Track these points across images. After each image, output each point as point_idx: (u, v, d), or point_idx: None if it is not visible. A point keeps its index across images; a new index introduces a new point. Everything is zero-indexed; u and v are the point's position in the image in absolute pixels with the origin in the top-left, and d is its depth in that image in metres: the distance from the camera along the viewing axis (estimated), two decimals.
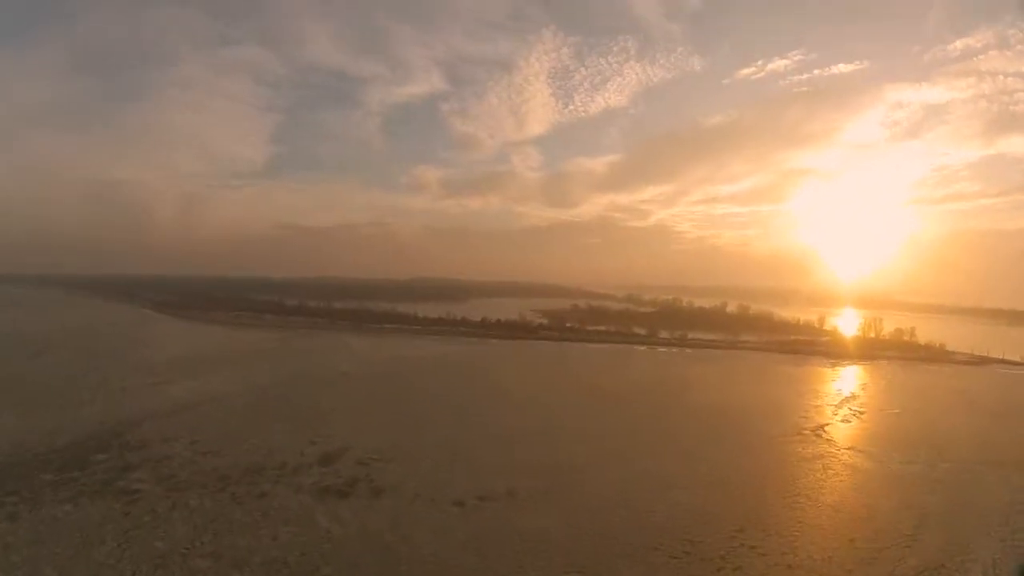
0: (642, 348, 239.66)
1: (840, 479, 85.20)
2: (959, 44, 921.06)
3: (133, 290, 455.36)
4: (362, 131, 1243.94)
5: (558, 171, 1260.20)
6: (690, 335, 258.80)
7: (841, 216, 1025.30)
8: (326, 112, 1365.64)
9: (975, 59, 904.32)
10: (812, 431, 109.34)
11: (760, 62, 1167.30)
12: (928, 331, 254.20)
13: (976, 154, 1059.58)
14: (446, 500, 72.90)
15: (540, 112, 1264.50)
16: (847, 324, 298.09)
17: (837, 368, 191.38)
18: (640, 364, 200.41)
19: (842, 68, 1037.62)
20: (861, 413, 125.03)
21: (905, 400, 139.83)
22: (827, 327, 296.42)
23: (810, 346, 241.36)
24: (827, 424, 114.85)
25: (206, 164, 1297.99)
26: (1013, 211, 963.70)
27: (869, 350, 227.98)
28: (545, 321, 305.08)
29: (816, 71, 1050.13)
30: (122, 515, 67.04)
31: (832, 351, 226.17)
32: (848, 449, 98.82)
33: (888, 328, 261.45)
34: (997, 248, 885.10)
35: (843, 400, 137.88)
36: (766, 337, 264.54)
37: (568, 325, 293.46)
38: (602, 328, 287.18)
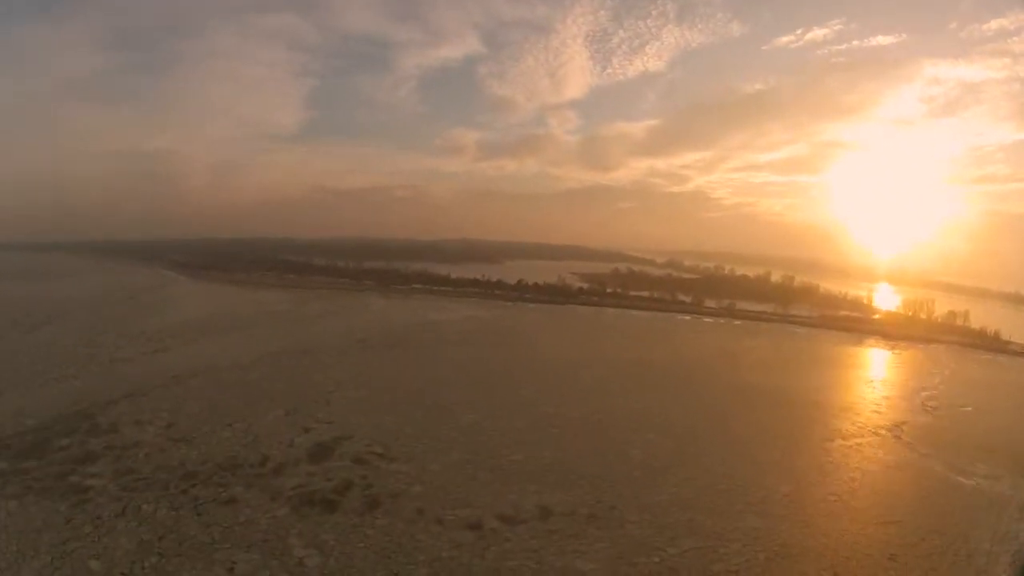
0: (687, 317, 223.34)
1: (933, 498, 69.46)
2: (993, 24, 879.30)
3: (161, 254, 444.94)
4: (397, 95, 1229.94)
5: (595, 135, 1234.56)
6: (738, 305, 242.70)
7: (876, 191, 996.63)
8: (361, 77, 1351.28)
9: (1009, 40, 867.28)
10: (888, 430, 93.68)
11: (799, 31, 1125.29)
12: (976, 315, 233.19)
13: (1010, 136, 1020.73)
14: (457, 520, 57.69)
15: (577, 75, 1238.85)
16: (895, 302, 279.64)
17: (896, 351, 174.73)
18: (689, 336, 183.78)
19: (880, 40, 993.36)
20: (934, 409, 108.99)
21: (975, 395, 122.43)
22: (876, 304, 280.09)
23: (863, 324, 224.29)
24: (903, 422, 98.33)
25: (240, 130, 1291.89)
26: None
27: (924, 332, 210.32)
28: (584, 285, 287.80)
29: (855, 42, 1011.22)
30: (64, 521, 55.92)
31: (886, 331, 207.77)
32: (930, 456, 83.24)
33: (939, 310, 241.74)
34: None
35: (911, 391, 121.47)
36: (817, 311, 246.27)
37: (609, 290, 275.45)
38: (644, 294, 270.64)
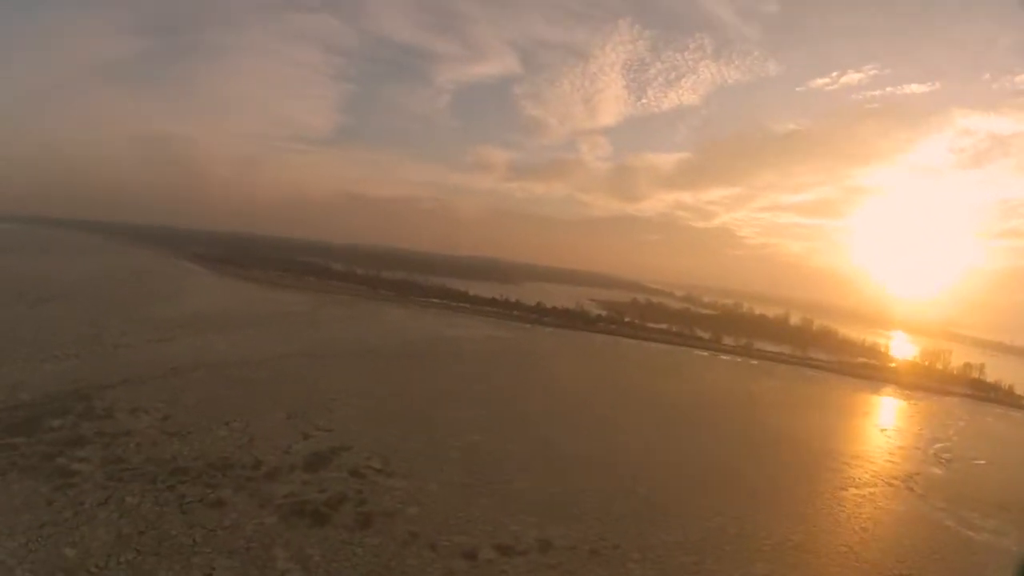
0: (703, 353, 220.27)
1: (943, 552, 67.68)
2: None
3: (182, 242, 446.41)
4: (431, 107, 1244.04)
5: (625, 164, 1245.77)
6: (755, 344, 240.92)
7: (900, 238, 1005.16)
8: (396, 86, 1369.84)
9: None
10: (902, 481, 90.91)
11: (835, 73, 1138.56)
12: (993, 369, 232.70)
13: None
14: (452, 547, 54.18)
15: (612, 103, 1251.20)
16: (913, 351, 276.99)
17: (911, 401, 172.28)
18: (705, 373, 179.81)
19: (914, 88, 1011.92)
20: (948, 461, 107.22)
21: (988, 449, 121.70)
22: (894, 352, 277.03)
23: (879, 372, 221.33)
24: (916, 473, 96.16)
25: (272, 127, 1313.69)
26: None
27: (939, 383, 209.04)
28: (603, 313, 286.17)
29: (888, 88, 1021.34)
30: (46, 503, 53.72)
31: (902, 380, 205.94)
32: (942, 510, 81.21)
33: (956, 361, 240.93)
34: None
35: (925, 442, 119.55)
36: (834, 356, 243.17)
37: (627, 320, 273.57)
38: (662, 326, 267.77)
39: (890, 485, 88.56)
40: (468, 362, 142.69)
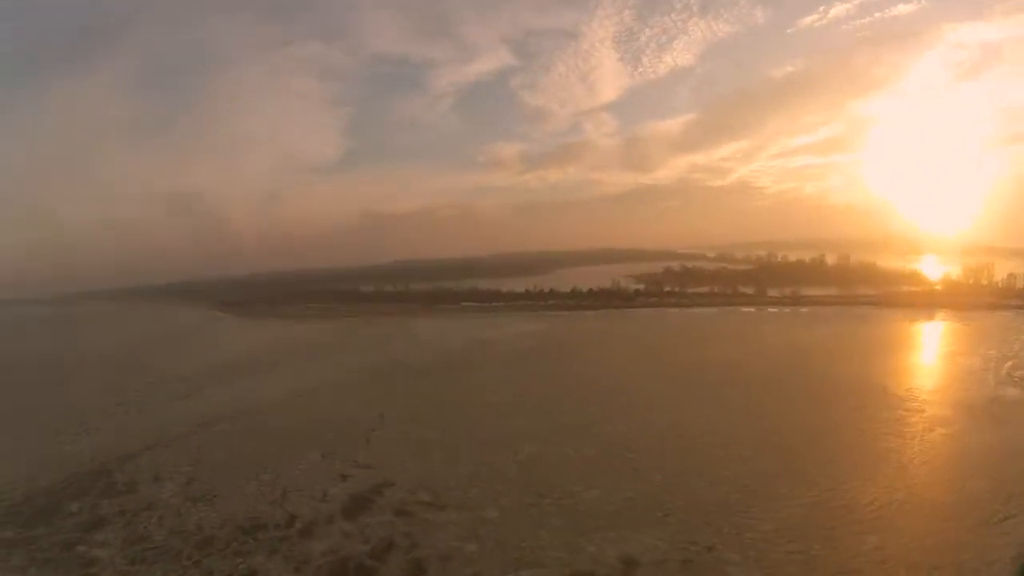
0: (751, 309, 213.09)
1: None
2: None
3: (209, 293, 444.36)
4: (434, 114, 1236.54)
5: (633, 135, 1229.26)
6: (801, 292, 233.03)
7: (912, 162, 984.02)
8: (396, 100, 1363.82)
9: None
10: (984, 410, 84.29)
11: (821, 8, 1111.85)
12: None
13: None
14: None
15: (609, 78, 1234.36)
16: (953, 272, 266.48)
17: (967, 321, 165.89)
18: (758, 330, 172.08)
19: (901, 9, 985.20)
20: (1021, 380, 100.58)
21: None
22: (935, 277, 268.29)
23: (928, 297, 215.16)
24: (995, 398, 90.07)
25: (281, 163, 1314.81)
26: None
27: (989, 299, 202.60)
28: (640, 287, 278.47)
29: (877, 14, 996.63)
30: None
31: (952, 302, 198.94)
32: None
33: (999, 274, 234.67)
34: None
35: (994, 363, 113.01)
36: (878, 290, 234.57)
37: (667, 289, 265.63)
38: (703, 290, 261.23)
39: (973, 416, 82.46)
40: (509, 365, 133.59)
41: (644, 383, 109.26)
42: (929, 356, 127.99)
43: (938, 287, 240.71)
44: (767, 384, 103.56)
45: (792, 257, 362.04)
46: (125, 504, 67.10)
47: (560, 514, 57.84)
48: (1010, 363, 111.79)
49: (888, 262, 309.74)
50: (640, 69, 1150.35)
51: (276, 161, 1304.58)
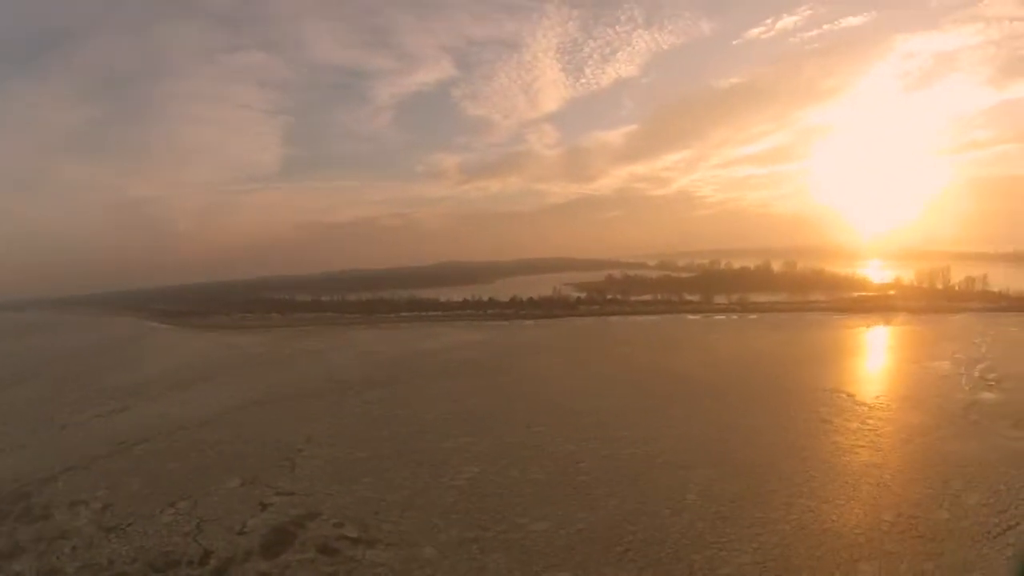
0: (696, 317, 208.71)
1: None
2: None
3: (148, 303, 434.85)
4: (375, 125, 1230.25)
5: (575, 146, 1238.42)
6: (748, 298, 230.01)
7: (861, 171, 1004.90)
8: (337, 110, 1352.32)
9: (980, 4, 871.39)
10: (962, 416, 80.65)
11: (769, 20, 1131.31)
12: (992, 278, 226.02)
13: (989, 101, 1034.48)
14: None
15: (552, 89, 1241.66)
16: (907, 276, 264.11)
17: (929, 325, 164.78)
18: (707, 337, 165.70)
19: (851, 21, 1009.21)
20: (997, 382, 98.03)
21: None
22: (889, 282, 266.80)
23: (884, 302, 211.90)
24: (972, 403, 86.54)
25: (222, 172, 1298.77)
26: None
27: (947, 302, 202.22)
28: (582, 295, 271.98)
29: (826, 26, 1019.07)
30: None
31: (910, 306, 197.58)
32: (1020, 439, 71.35)
33: (955, 277, 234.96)
34: (1015, 193, 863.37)
35: (964, 366, 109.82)
36: (828, 295, 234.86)
37: (609, 297, 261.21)
38: (646, 297, 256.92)
39: (952, 423, 77.89)
40: (449, 377, 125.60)
41: (591, 396, 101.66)
42: (894, 361, 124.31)
43: (892, 291, 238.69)
44: (723, 396, 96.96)
45: (736, 265, 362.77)
46: (42, 531, 61.83)
47: (505, 550, 50.64)
48: (981, 366, 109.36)
49: (835, 269, 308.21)
50: (583, 80, 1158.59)
51: (216, 170, 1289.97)
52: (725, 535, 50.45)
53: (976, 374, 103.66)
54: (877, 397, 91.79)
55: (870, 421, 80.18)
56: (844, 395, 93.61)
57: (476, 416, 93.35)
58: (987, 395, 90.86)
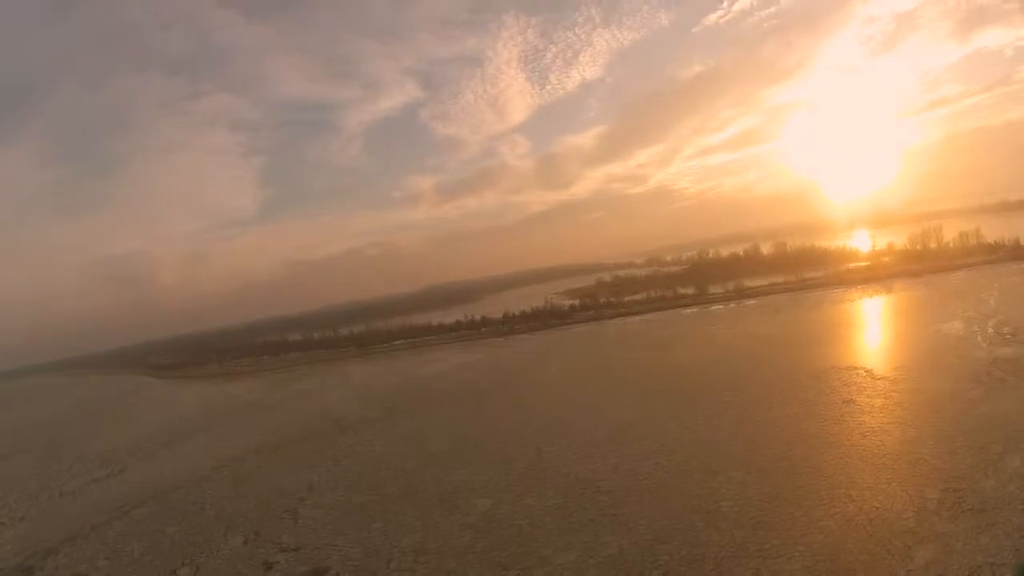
0: (693, 310, 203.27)
1: None
2: None
3: (140, 358, 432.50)
4: (347, 155, 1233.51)
5: (547, 153, 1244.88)
6: (744, 284, 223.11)
7: (834, 142, 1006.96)
8: (309, 144, 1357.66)
9: None
10: (987, 374, 77.23)
11: (726, 3, 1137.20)
12: (985, 230, 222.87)
13: (954, 55, 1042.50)
14: None
15: (518, 99, 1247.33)
16: (898, 241, 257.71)
17: (933, 286, 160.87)
18: (709, 329, 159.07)
19: None
20: (1012, 336, 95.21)
21: None
22: (882, 248, 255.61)
23: (881, 270, 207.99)
24: (993, 360, 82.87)
25: (200, 220, 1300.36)
26: (997, 106, 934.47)
27: (945, 261, 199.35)
28: (575, 302, 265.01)
29: (783, 2, 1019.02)
30: None
31: (909, 269, 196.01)
32: None
33: (947, 235, 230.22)
34: (989, 144, 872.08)
35: (977, 324, 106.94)
36: (826, 270, 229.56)
37: (603, 301, 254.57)
38: (640, 296, 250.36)
39: (979, 384, 74.41)
40: (449, 403, 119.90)
41: (601, 408, 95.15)
42: (905, 328, 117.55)
43: (887, 258, 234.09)
44: (738, 390, 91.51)
45: (725, 252, 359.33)
46: None
47: None
48: (994, 320, 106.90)
49: (824, 243, 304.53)
50: (548, 87, 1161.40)
51: (194, 218, 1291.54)
52: (768, 543, 46.03)
53: (990, 330, 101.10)
54: (897, 369, 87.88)
55: (895, 395, 76.28)
56: (862, 372, 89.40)
57: (482, 443, 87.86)
58: (1007, 350, 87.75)
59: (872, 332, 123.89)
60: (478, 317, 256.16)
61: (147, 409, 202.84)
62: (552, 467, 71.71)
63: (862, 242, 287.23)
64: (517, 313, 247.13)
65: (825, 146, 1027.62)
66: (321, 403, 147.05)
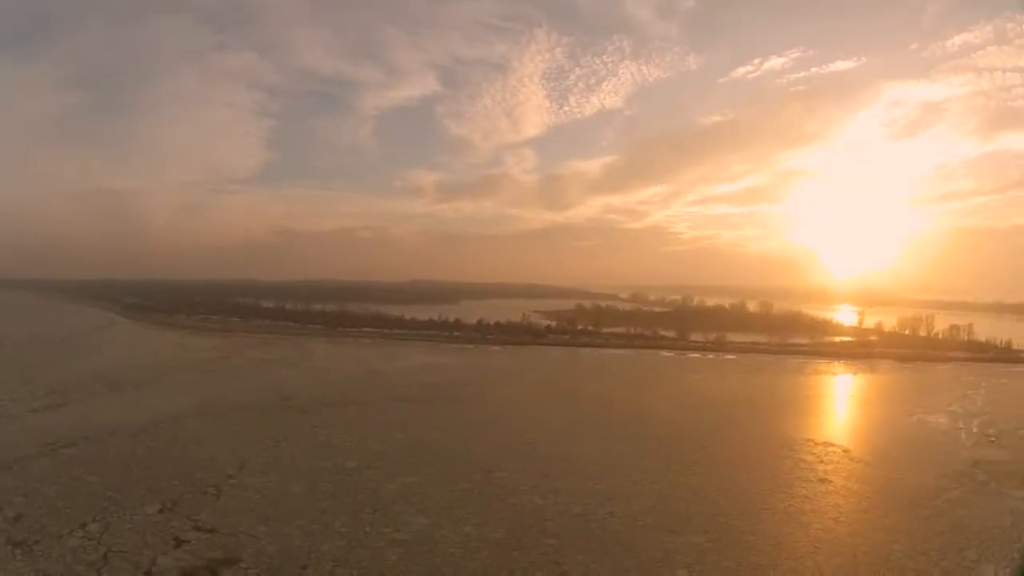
0: (670, 353, 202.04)
1: None
2: (957, 40, 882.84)
3: (116, 295, 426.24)
4: (356, 136, 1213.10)
5: (553, 173, 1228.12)
6: (726, 337, 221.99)
7: (839, 215, 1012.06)
8: (320, 118, 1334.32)
9: (973, 55, 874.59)
10: (968, 475, 75.78)
11: (756, 60, 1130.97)
12: (978, 328, 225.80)
13: (973, 151, 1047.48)
14: None
15: (534, 114, 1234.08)
16: (889, 323, 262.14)
17: (918, 374, 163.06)
18: (686, 376, 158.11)
19: (840, 65, 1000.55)
20: (997, 437, 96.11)
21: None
22: (871, 327, 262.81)
23: (867, 349, 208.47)
24: (977, 461, 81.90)
25: (201, 172, 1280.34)
26: (1008, 208, 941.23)
27: (934, 351, 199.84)
28: (552, 323, 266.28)
29: (814, 69, 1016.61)
30: None
31: (895, 353, 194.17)
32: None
33: (938, 326, 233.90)
34: (993, 245, 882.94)
35: (962, 419, 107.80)
36: (811, 338, 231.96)
37: (580, 327, 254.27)
38: (619, 330, 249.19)
39: (960, 484, 72.57)
40: (404, 402, 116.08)
41: (561, 438, 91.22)
42: (888, 413, 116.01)
43: (874, 337, 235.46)
44: (709, 446, 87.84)
45: (709, 302, 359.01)
46: None
47: None
48: (979, 420, 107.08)
49: (811, 311, 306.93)
50: (566, 107, 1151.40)
51: (196, 168, 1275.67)
52: None
53: (975, 429, 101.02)
54: (876, 454, 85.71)
55: (872, 481, 73.64)
56: (840, 451, 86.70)
57: (430, 452, 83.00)
58: (991, 452, 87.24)
59: (853, 411, 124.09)
60: (452, 319, 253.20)
61: (106, 347, 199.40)
62: (500, 494, 66.90)
63: (851, 317, 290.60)
64: (492, 323, 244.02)
65: (829, 218, 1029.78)
66: (276, 377, 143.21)
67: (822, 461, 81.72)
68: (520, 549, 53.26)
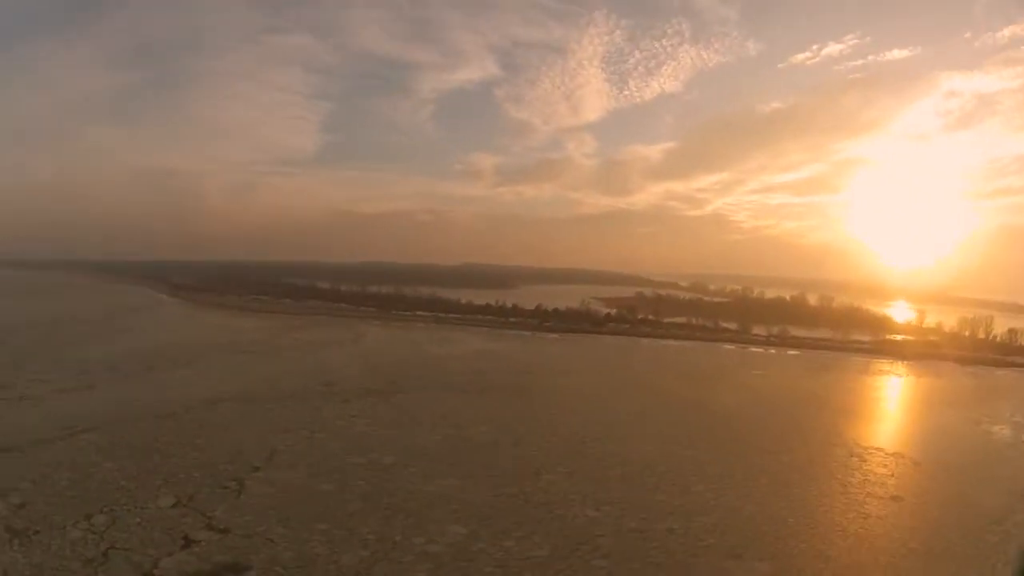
0: (732, 347, 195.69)
1: None
2: (1007, 32, 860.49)
3: (167, 275, 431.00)
4: (415, 118, 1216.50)
5: (613, 158, 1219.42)
6: (788, 332, 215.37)
7: (894, 208, 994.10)
8: (378, 100, 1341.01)
9: (1022, 48, 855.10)
10: None
11: (815, 47, 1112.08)
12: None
13: None
14: None
15: (594, 97, 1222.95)
16: (948, 322, 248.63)
17: (983, 379, 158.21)
18: (751, 373, 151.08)
19: (896, 54, 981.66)
20: None
21: None
22: (931, 326, 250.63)
23: (928, 349, 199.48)
24: None
25: (256, 152, 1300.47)
26: None
27: (996, 354, 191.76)
28: (611, 311, 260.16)
29: (870, 56, 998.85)
30: None
31: (957, 356, 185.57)
32: None
33: (997, 328, 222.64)
34: None
35: None
36: (873, 336, 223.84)
37: (640, 317, 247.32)
38: (680, 320, 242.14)
39: None
40: (454, 392, 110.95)
41: (619, 438, 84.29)
42: (953, 421, 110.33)
43: (934, 337, 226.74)
44: (773, 453, 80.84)
45: (768, 294, 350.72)
46: None
47: None
48: None
49: (865, 305, 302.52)
50: (626, 92, 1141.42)
51: (251, 149, 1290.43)
52: None
53: None
54: (948, 468, 79.04)
55: (950, 505, 65.55)
56: (910, 462, 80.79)
57: (476, 449, 78.17)
58: None
59: (919, 417, 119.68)
60: (509, 305, 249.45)
61: (149, 326, 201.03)
62: (547, 502, 60.50)
63: (909, 315, 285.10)
64: (550, 309, 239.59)
65: (883, 209, 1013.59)
66: (321, 360, 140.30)
67: (893, 475, 76.21)
68: (566, 571, 47.32)
